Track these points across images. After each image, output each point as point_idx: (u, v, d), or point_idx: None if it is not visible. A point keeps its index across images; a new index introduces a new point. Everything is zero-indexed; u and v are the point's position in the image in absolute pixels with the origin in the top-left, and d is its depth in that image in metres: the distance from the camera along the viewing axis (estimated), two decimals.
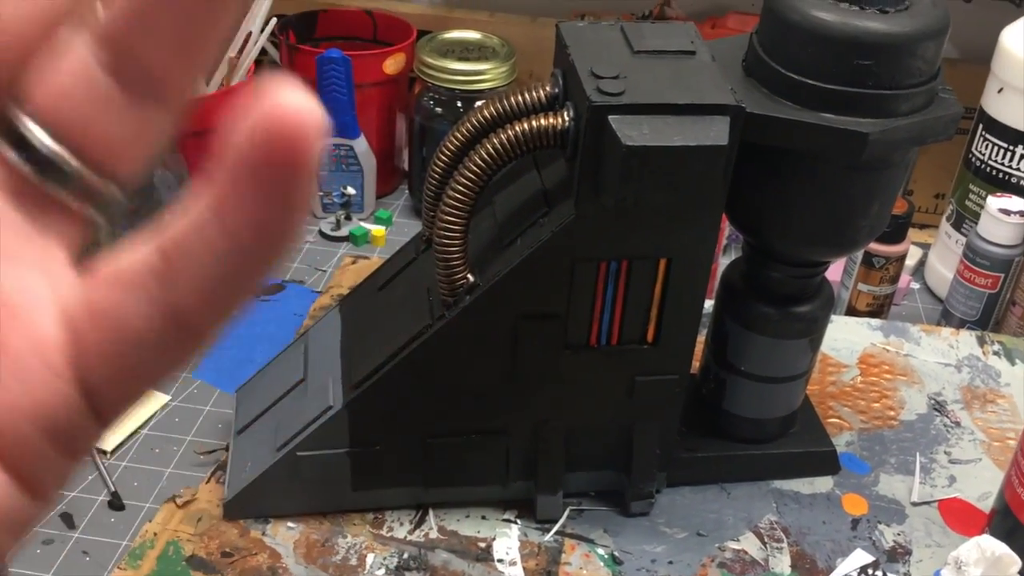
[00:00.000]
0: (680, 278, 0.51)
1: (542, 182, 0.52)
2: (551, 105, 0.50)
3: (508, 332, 0.52)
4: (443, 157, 0.53)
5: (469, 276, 0.51)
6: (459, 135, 0.52)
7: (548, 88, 0.50)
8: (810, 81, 0.47)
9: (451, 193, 0.49)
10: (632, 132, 0.44)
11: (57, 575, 0.55)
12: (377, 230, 0.86)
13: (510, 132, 0.48)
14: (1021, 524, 0.54)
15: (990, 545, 0.52)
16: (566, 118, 0.47)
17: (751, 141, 0.47)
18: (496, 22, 0.94)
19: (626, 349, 0.54)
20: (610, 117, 0.45)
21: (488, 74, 0.83)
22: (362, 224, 0.87)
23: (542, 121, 0.48)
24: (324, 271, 0.82)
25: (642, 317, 0.53)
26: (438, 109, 0.85)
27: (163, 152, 0.70)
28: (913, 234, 0.89)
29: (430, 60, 0.83)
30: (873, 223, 0.52)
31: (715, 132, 0.45)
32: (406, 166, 0.93)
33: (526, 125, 0.48)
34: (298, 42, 0.87)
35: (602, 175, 0.46)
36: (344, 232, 0.86)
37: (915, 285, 0.85)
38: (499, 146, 0.48)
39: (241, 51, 0.79)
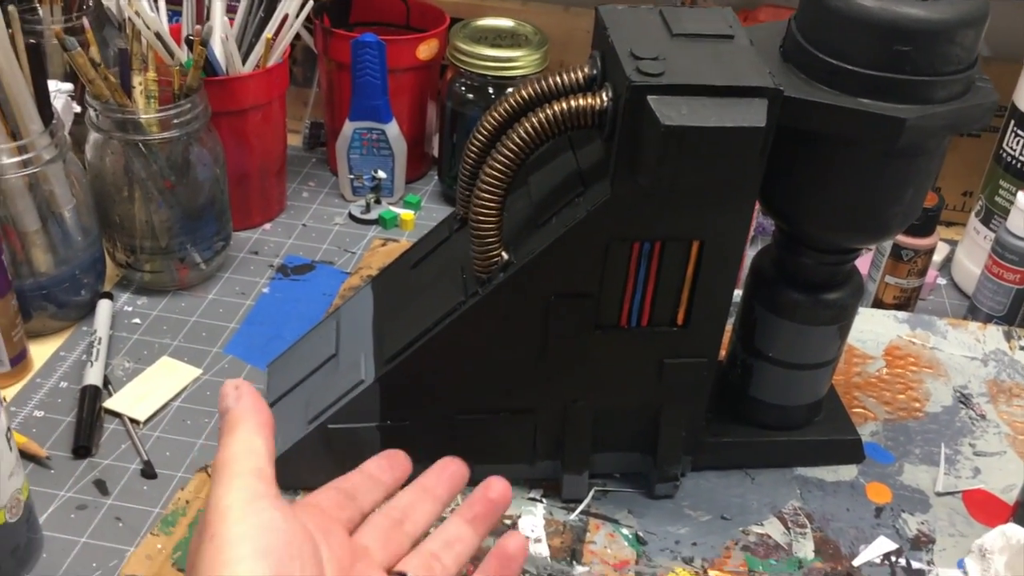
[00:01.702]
0: (712, 261, 0.52)
1: (577, 163, 0.52)
2: (588, 86, 0.50)
3: (540, 310, 0.52)
4: (480, 136, 0.53)
5: (504, 254, 0.51)
6: (497, 115, 0.52)
7: (586, 69, 0.50)
8: (848, 66, 0.47)
9: (488, 171, 0.50)
10: (671, 112, 0.45)
11: (91, 540, 0.56)
12: (406, 214, 0.87)
13: (548, 112, 0.48)
14: None
15: (1015, 533, 0.52)
16: (605, 98, 0.48)
17: (788, 125, 0.48)
18: (529, 11, 0.95)
19: (656, 331, 0.54)
20: (649, 97, 0.45)
21: (520, 61, 0.84)
22: (391, 208, 0.88)
23: (580, 101, 0.48)
24: (354, 253, 0.83)
25: (673, 299, 0.53)
26: (470, 95, 0.85)
27: (201, 130, 0.71)
28: (941, 231, 0.89)
29: (463, 46, 0.84)
30: (906, 210, 0.53)
31: (753, 114, 0.45)
32: (436, 152, 0.94)
33: (565, 105, 0.48)
34: (333, 26, 0.88)
35: (639, 155, 0.47)
36: (374, 215, 0.87)
37: (941, 281, 0.85)
38: (537, 125, 0.48)
39: (277, 33, 0.79)
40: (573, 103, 0.48)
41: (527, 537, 0.47)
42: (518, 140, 0.49)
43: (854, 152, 0.50)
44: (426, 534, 0.43)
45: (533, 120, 0.49)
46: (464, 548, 0.43)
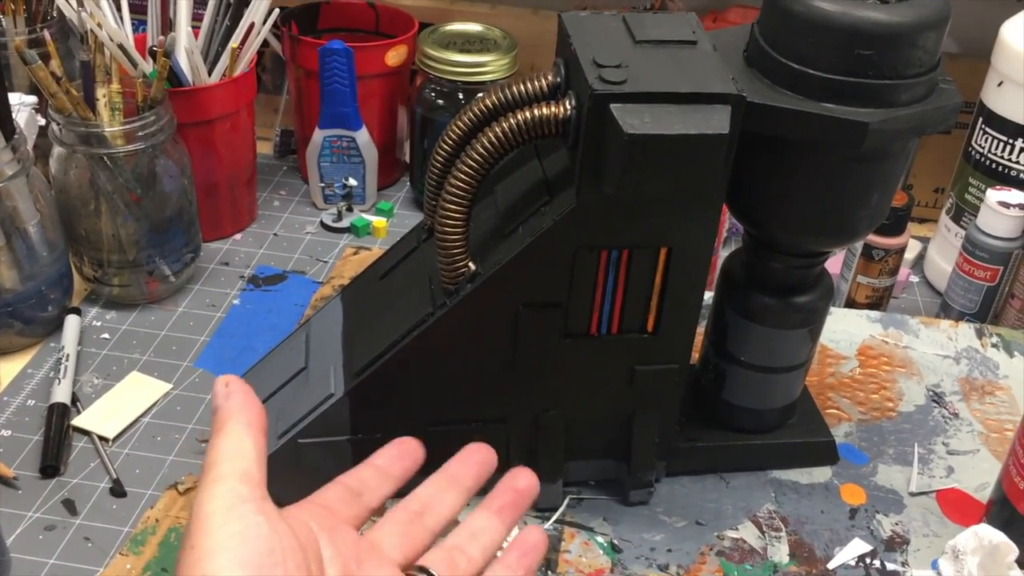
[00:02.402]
0: (680, 267, 0.51)
1: (543, 171, 0.52)
2: (553, 94, 0.50)
3: (509, 320, 0.52)
4: (445, 146, 0.53)
5: (470, 264, 0.51)
6: (461, 124, 0.52)
7: (550, 77, 0.50)
8: (811, 71, 0.47)
9: (453, 181, 0.49)
10: (634, 120, 0.45)
11: (59, 561, 0.55)
12: (378, 221, 0.86)
13: (512, 121, 0.48)
14: (1019, 514, 0.54)
15: (987, 534, 0.52)
16: (568, 107, 0.47)
17: (752, 130, 0.47)
18: (498, 14, 0.95)
19: (626, 338, 0.54)
20: (612, 106, 0.45)
21: (489, 66, 0.84)
22: (363, 215, 0.87)
23: (544, 110, 0.48)
24: (325, 262, 0.82)
25: (642, 306, 0.53)
26: (440, 101, 0.85)
27: (167, 141, 0.70)
28: (913, 228, 0.90)
29: (432, 52, 0.83)
30: (873, 213, 0.53)
31: (716, 121, 0.45)
32: (407, 158, 0.93)
33: (528, 114, 0.48)
34: (300, 33, 0.87)
35: (604, 164, 0.46)
36: (346, 223, 0.86)
37: (914, 278, 0.86)
38: (501, 135, 0.48)
39: (243, 42, 0.79)
40: (536, 112, 0.48)
41: (545, 531, 0.44)
42: (481, 151, 0.48)
43: (819, 156, 0.50)
44: (451, 526, 0.42)
45: (496, 130, 0.48)
46: (490, 540, 0.41)
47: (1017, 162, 0.75)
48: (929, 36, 0.47)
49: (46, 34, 0.71)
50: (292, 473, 0.56)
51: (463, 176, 0.49)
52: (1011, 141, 0.75)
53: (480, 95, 0.51)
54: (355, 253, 0.81)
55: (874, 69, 0.46)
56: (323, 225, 0.86)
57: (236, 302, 0.77)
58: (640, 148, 0.45)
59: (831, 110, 0.47)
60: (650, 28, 0.50)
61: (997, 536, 0.52)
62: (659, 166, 0.45)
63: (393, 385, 0.54)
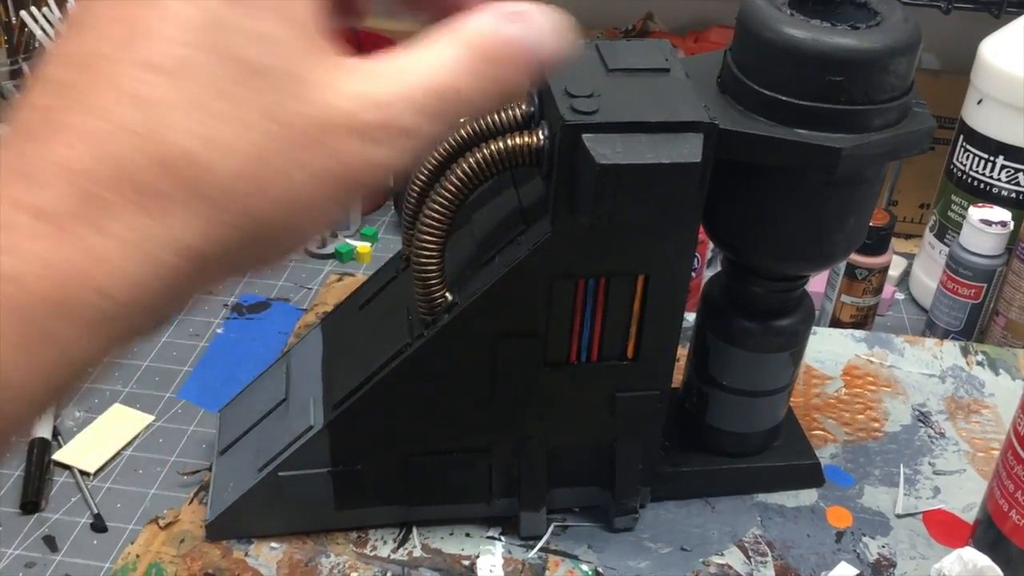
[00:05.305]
0: (658, 294, 0.51)
1: (520, 200, 0.52)
2: (527, 124, 0.50)
3: (487, 351, 0.52)
4: (422, 176, 0.53)
5: (448, 295, 0.51)
6: (437, 154, 0.52)
7: (524, 107, 0.50)
8: (783, 97, 0.47)
9: (428, 212, 0.49)
10: (605, 150, 0.45)
11: None
12: (363, 247, 0.86)
13: (485, 151, 0.48)
14: (1004, 535, 0.54)
15: (972, 557, 0.52)
16: (541, 137, 0.47)
17: (725, 157, 0.47)
18: None
19: (606, 366, 0.54)
20: (584, 136, 0.45)
21: None
22: (348, 241, 0.87)
23: (517, 140, 0.48)
24: (310, 288, 0.82)
25: (621, 333, 0.53)
26: None
27: None
28: (898, 244, 0.90)
29: None
30: (850, 237, 0.52)
31: (688, 149, 0.45)
32: (392, 183, 0.93)
33: (501, 144, 0.48)
34: None
35: (577, 193, 0.46)
36: (330, 249, 0.86)
37: (900, 295, 0.86)
38: (475, 165, 0.48)
39: None
40: (510, 142, 0.48)
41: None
42: (456, 181, 0.48)
43: (793, 182, 0.50)
44: None
45: (470, 160, 0.48)
46: None
47: (998, 179, 0.75)
48: (900, 61, 0.47)
49: (26, 67, 0.71)
50: (274, 506, 0.56)
51: (437, 206, 0.49)
52: (992, 159, 0.75)
53: (457, 125, 0.51)
54: (339, 279, 0.81)
55: (846, 95, 0.46)
56: (307, 251, 0.86)
57: (220, 331, 0.76)
58: (612, 178, 0.45)
59: (804, 136, 0.47)
60: (623, 56, 0.50)
61: (982, 560, 0.51)
62: (632, 195, 0.45)
63: (372, 417, 0.54)
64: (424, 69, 0.25)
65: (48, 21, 0.75)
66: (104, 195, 0.21)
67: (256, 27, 0.23)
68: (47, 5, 0.77)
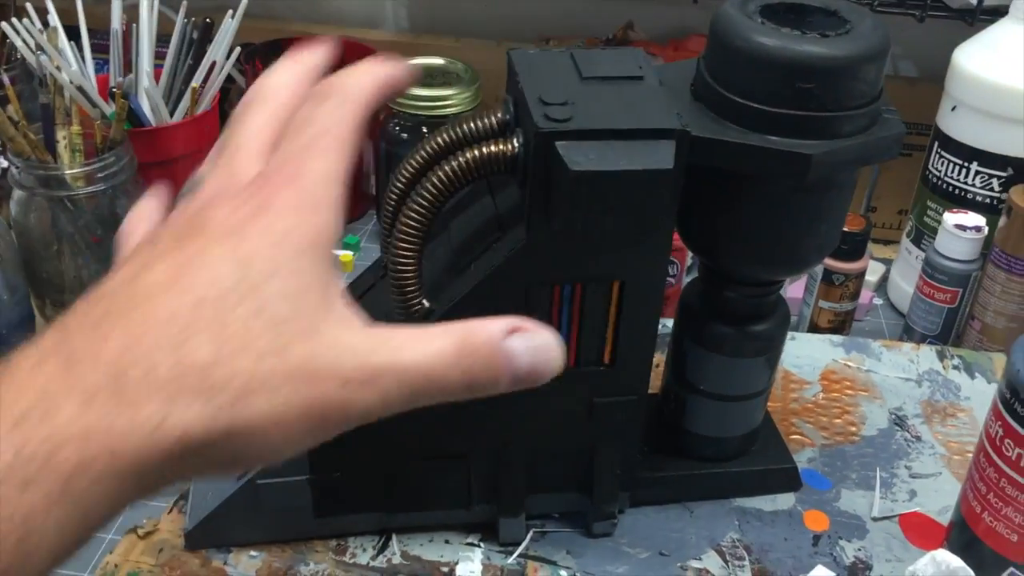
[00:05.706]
0: (633, 300, 0.52)
1: (496, 207, 0.52)
2: (503, 131, 0.50)
3: None
4: (398, 184, 0.53)
5: (425, 302, 0.51)
6: (414, 162, 0.52)
7: (500, 115, 0.50)
8: (754, 104, 0.48)
9: (404, 220, 0.49)
10: (579, 158, 0.45)
11: None
12: (345, 255, 0.86)
13: (460, 159, 0.48)
14: (977, 537, 0.55)
15: (945, 559, 0.52)
16: (515, 144, 0.48)
17: (698, 164, 0.48)
18: (462, 47, 0.95)
19: (584, 371, 0.54)
20: (557, 143, 0.46)
21: (453, 99, 0.84)
22: None
23: (492, 148, 0.48)
24: None
25: (598, 339, 0.53)
26: (404, 135, 0.85)
27: (128, 182, 0.70)
28: (877, 250, 0.91)
29: None
30: (822, 243, 0.53)
31: (660, 156, 0.46)
32: (374, 191, 0.93)
33: (476, 152, 0.48)
34: (264, 69, 0.87)
35: (551, 200, 0.47)
36: None
37: (878, 301, 0.86)
38: (450, 173, 0.48)
39: (205, 81, 0.79)
40: (485, 150, 0.48)
41: None
42: (431, 189, 0.49)
43: (765, 188, 0.50)
44: None
45: (446, 168, 0.49)
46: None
47: (973, 185, 0.76)
48: (869, 68, 0.47)
49: (4, 78, 0.71)
50: (253, 515, 0.56)
51: (414, 213, 0.49)
52: (966, 165, 0.76)
53: (431, 133, 0.52)
54: None
55: (815, 102, 0.47)
56: None
57: None
58: (585, 185, 0.45)
59: (775, 143, 0.48)
60: (597, 64, 0.51)
61: (955, 561, 0.52)
62: (605, 202, 0.46)
63: None
64: (420, 355, 0.32)
65: (29, 33, 0.75)
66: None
67: (283, 286, 0.30)
68: (28, 16, 0.77)
